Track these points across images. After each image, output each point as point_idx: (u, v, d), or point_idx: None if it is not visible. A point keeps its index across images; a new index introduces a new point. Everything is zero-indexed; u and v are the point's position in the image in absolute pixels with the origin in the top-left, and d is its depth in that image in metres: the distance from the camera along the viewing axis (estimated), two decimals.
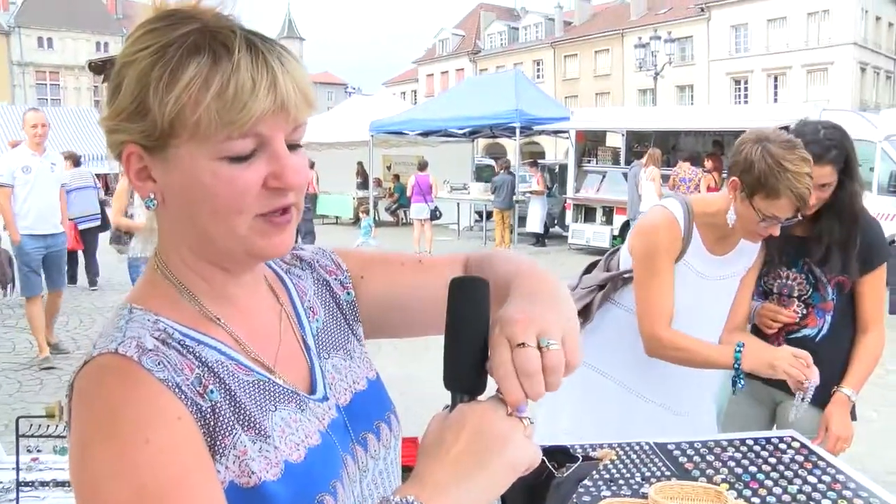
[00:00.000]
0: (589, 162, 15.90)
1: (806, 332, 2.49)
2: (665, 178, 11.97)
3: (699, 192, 11.24)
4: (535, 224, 16.24)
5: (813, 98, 34.58)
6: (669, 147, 14.96)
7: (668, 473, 1.97)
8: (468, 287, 0.79)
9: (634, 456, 2.08)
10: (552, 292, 0.86)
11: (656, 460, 2.05)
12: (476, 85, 20.92)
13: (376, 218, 18.17)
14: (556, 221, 17.26)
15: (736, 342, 2.24)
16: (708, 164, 12.09)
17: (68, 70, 50.56)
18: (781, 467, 2.02)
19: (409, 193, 15.56)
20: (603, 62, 48.66)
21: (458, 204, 18.16)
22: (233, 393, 0.82)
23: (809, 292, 2.47)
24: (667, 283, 2.24)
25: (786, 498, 1.85)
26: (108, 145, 0.85)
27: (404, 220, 20.19)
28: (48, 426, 2.37)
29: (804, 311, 2.49)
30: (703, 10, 43.51)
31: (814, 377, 2.16)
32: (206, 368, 0.82)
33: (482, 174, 19.55)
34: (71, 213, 9.45)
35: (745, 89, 42.14)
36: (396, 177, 21.38)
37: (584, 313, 2.41)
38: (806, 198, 2.05)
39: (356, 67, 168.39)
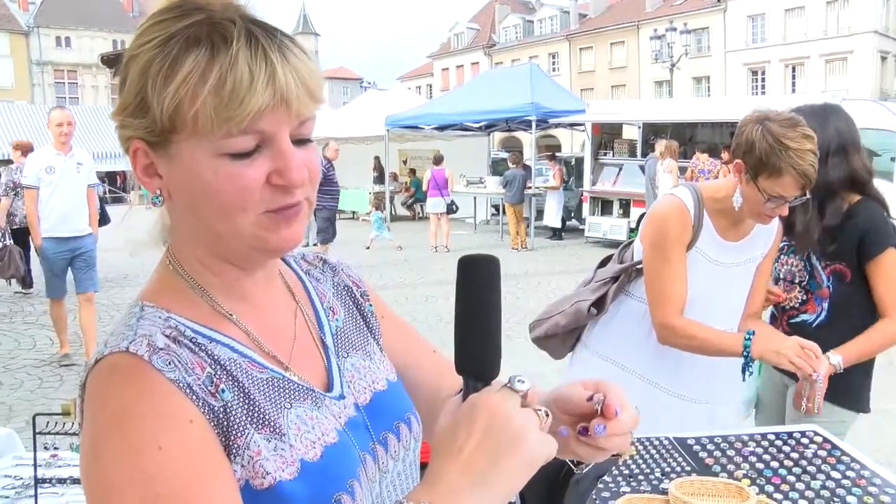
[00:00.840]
0: (605, 155, 15.82)
1: (804, 317, 2.53)
2: (682, 170, 11.88)
3: None
4: (551, 218, 16.18)
5: (832, 88, 34.13)
6: (686, 139, 14.85)
7: (688, 469, 1.94)
8: (480, 265, 0.76)
9: (654, 451, 2.05)
10: None
11: (676, 455, 2.03)
12: (491, 78, 20.88)
13: (392, 212, 18.18)
14: (572, 215, 17.19)
15: (748, 329, 2.22)
16: (725, 155, 11.97)
17: (86, 68, 50.93)
18: (804, 462, 1.99)
19: (425, 188, 15.53)
20: (619, 54, 48.40)
21: (475, 198, 18.12)
22: (246, 391, 0.80)
23: (807, 279, 2.52)
24: (678, 270, 2.22)
25: (809, 494, 1.82)
26: (119, 140, 0.84)
27: (420, 215, 20.16)
28: (65, 423, 2.38)
29: (804, 297, 2.53)
30: (718, 0, 43.11)
31: (822, 368, 2.15)
32: (218, 366, 0.80)
33: (498, 168, 19.49)
34: None
35: (763, 80, 41.75)
36: (412, 171, 21.37)
37: (599, 304, 2.42)
38: (810, 174, 2.03)
39: (371, 62, 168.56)
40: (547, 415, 0.75)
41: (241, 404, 0.79)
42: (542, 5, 56.90)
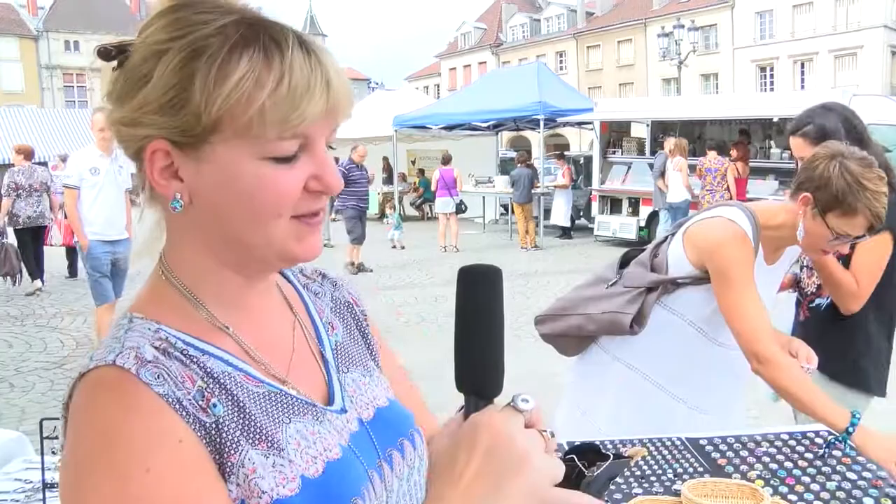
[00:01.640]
0: (614, 153, 15.77)
1: (819, 301, 2.69)
2: (692, 168, 11.83)
3: (725, 181, 11.10)
4: (560, 217, 16.14)
5: (841, 84, 33.93)
6: (695, 136, 14.79)
7: (700, 470, 1.92)
8: (483, 275, 0.72)
9: (666, 452, 2.03)
10: None
11: (689, 456, 2.01)
12: (499, 78, 20.83)
13: (402, 213, 18.19)
14: (581, 213, 17.15)
15: (850, 410, 2.01)
16: (734, 153, 11.93)
17: (94, 72, 50.17)
18: (819, 463, 1.97)
19: (433, 187, 15.53)
20: (626, 52, 48.25)
21: (484, 197, 18.09)
22: (241, 405, 0.77)
23: None
24: (757, 298, 2.13)
25: (825, 495, 1.80)
26: (121, 139, 0.79)
27: (429, 215, 20.16)
28: None
29: (819, 283, 2.67)
30: None
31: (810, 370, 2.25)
32: (211, 380, 0.76)
33: (507, 167, 19.47)
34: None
35: (771, 76, 41.55)
36: (421, 171, 21.36)
37: (639, 319, 2.30)
38: (882, 216, 2.00)
39: (379, 63, 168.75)
40: (552, 435, 0.72)
41: (234, 419, 0.75)
42: (549, 4, 56.78)
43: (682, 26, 27.14)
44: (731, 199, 11.13)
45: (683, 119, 14.88)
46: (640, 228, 13.91)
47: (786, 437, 2.13)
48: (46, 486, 1.97)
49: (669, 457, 2.00)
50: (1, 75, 47.47)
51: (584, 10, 52.82)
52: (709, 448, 2.05)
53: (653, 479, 1.88)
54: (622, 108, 17.97)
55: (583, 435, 2.24)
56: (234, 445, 0.74)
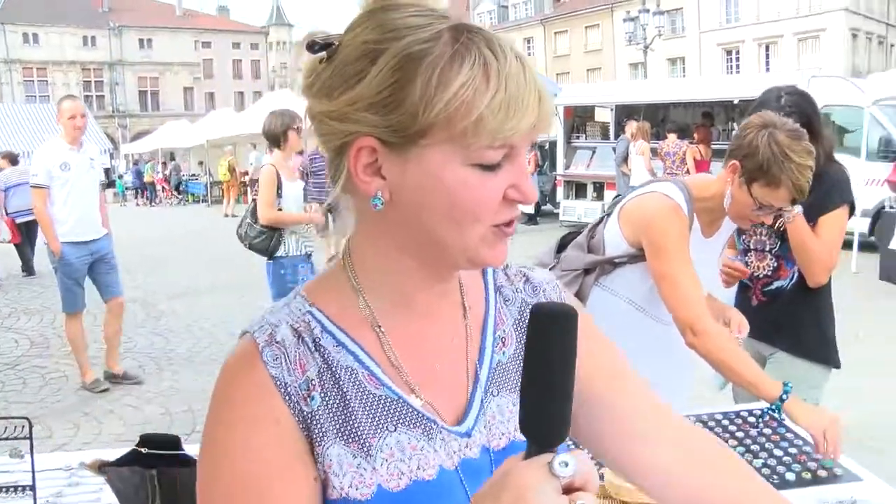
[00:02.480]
0: (578, 138, 15.81)
1: (778, 283, 2.63)
2: (654, 152, 11.88)
3: (685, 164, 11.17)
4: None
5: (805, 66, 34.33)
6: (659, 120, 14.87)
7: None
8: (559, 318, 0.66)
9: None
10: None
11: None
12: None
13: None
14: (547, 199, 17.19)
15: (781, 382, 2.00)
16: (696, 135, 12.01)
17: (56, 65, 50.25)
18: (748, 441, 1.98)
19: None
20: (593, 37, 48.40)
21: None
22: (347, 402, 0.80)
23: (778, 244, 2.60)
24: (692, 272, 2.11)
25: None
26: (323, 133, 0.80)
27: None
28: (21, 427, 2.31)
29: (775, 264, 2.63)
30: None
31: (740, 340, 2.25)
32: (327, 372, 0.80)
33: None
34: (10, 208, 10.80)
35: (737, 60, 41.91)
36: None
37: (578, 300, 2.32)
38: (805, 190, 1.99)
39: None
40: None
41: (330, 415, 0.79)
42: None
43: (648, 10, 27.25)
44: None
45: (647, 103, 14.97)
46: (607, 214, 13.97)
47: (720, 416, 2.14)
48: None
49: None
50: None
51: None
52: None
53: None
54: (586, 92, 18.03)
55: None
56: (320, 438, 0.79)
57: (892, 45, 44.06)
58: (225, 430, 0.78)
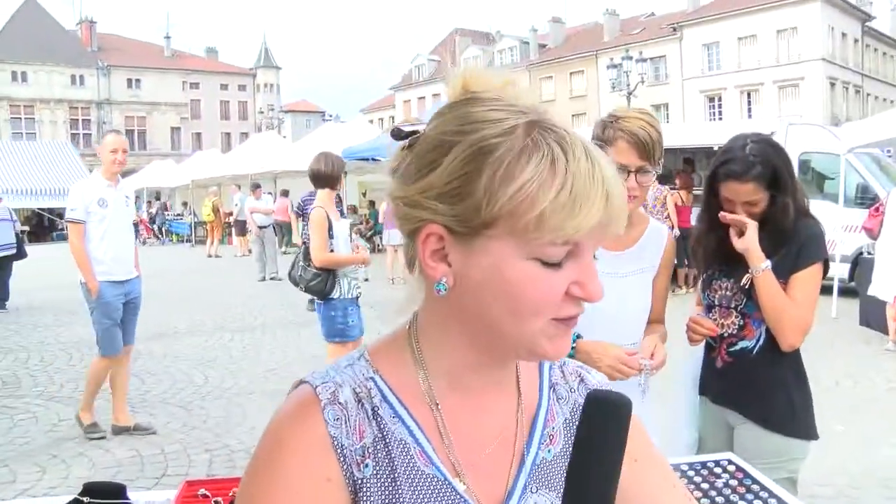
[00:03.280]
0: None
1: (743, 344, 2.41)
2: None
3: (666, 209, 11.26)
4: None
5: (786, 113, 34.98)
6: None
7: None
8: (613, 408, 0.71)
9: None
10: None
11: None
12: None
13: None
14: None
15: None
16: (677, 181, 12.13)
17: (44, 103, 50.33)
18: (713, 493, 1.95)
19: (381, 219, 15.49)
20: (578, 83, 49.18)
21: None
22: (395, 476, 0.80)
23: (744, 301, 2.40)
24: None
25: None
26: (399, 216, 0.83)
27: (380, 247, 20.10)
28: None
29: (741, 322, 2.41)
30: (674, 29, 44.16)
31: (646, 365, 2.09)
32: (381, 443, 0.81)
33: None
34: None
35: (720, 106, 42.66)
36: (372, 203, 21.34)
37: None
38: (641, 136, 2.07)
39: (334, 95, 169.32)
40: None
41: (379, 485, 0.80)
42: (503, 36, 57.69)
43: (631, 58, 27.73)
44: (672, 226, 11.29)
45: None
46: None
47: (685, 467, 2.11)
48: None
49: None
50: None
51: (536, 41, 53.79)
52: None
53: None
54: None
55: None
56: None
57: (868, 95, 45.03)
58: (276, 476, 0.78)
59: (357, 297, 5.09)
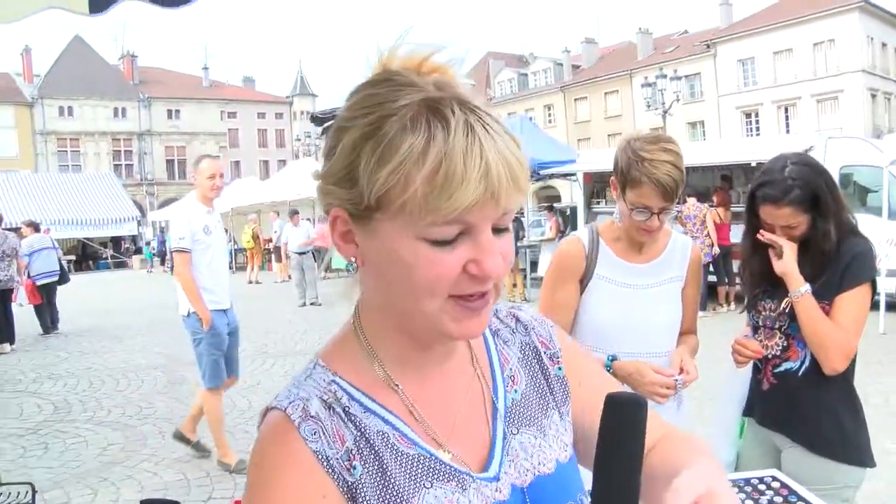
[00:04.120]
0: (598, 203, 15.86)
1: (788, 365, 2.34)
2: (674, 216, 11.88)
3: (705, 227, 11.15)
4: (545, 269, 16.11)
5: (825, 126, 34.40)
6: None
7: None
8: (630, 408, 0.73)
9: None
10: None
11: None
12: None
13: None
14: None
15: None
16: (715, 199, 12.01)
17: (88, 136, 51.62)
18: None
19: None
20: (613, 103, 48.97)
21: None
22: (384, 467, 0.81)
23: (788, 322, 2.34)
24: (559, 300, 2.32)
25: None
26: (319, 200, 0.85)
27: None
28: (20, 493, 2.34)
29: (785, 344, 2.35)
30: (708, 46, 43.79)
31: (678, 381, 2.16)
32: (363, 440, 0.81)
33: None
34: (33, 270, 11.72)
35: (757, 122, 42.12)
36: None
37: None
38: (665, 183, 2.08)
39: None
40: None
41: (372, 482, 0.80)
42: (536, 58, 57.81)
43: (665, 76, 27.60)
44: (711, 244, 11.17)
45: None
46: None
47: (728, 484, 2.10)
48: None
49: None
50: None
51: (570, 63, 53.77)
52: None
53: None
54: (604, 158, 18.11)
55: None
56: None
57: None
58: None
59: None
